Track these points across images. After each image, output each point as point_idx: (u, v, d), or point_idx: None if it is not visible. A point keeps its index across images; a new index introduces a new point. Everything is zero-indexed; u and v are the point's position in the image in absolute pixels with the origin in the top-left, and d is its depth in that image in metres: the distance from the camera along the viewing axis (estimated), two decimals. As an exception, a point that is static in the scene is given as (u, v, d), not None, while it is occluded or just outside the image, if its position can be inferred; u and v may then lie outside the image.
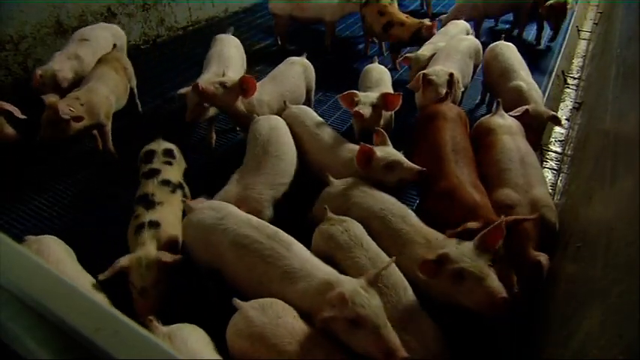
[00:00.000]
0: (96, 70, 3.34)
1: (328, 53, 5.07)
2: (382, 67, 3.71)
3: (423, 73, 3.08)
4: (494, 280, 1.73)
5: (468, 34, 4.09)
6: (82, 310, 0.69)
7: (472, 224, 2.01)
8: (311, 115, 3.04)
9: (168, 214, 2.33)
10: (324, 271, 1.88)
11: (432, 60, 3.52)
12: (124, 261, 2.02)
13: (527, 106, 2.93)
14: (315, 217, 2.42)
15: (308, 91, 3.64)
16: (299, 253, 1.97)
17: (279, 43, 5.24)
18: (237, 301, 1.79)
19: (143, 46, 5.24)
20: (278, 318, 1.70)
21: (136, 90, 3.81)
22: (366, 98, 2.94)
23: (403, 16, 4.53)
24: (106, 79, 3.26)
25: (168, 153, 2.72)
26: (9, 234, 0.85)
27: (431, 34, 4.20)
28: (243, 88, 2.94)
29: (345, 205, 2.34)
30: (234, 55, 3.65)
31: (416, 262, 1.88)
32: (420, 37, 4.26)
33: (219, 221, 2.10)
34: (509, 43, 3.69)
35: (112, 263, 2.08)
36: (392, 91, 3.23)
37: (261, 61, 4.79)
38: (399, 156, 2.49)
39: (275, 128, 2.78)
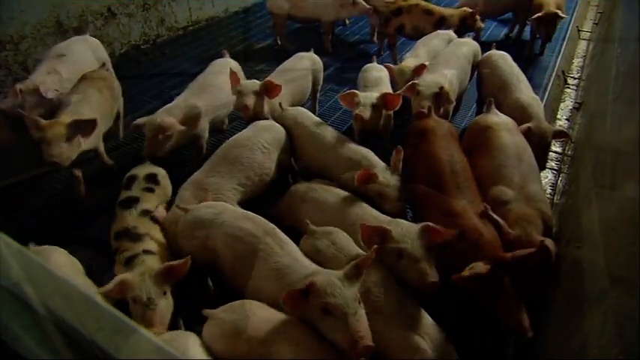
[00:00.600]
0: (78, 91, 3.05)
1: (328, 53, 5.08)
2: (381, 66, 3.71)
3: (413, 83, 3.05)
4: (428, 263, 1.90)
5: (450, 41, 4.01)
6: (83, 310, 0.69)
7: (480, 267, 1.90)
8: (309, 115, 3.04)
9: (157, 246, 2.19)
10: (311, 269, 1.90)
11: (430, 65, 3.44)
12: (125, 276, 1.86)
13: (528, 125, 2.82)
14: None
15: (314, 85, 3.72)
16: (292, 252, 1.99)
17: (279, 43, 5.25)
18: (206, 311, 1.80)
19: (143, 46, 5.24)
20: (248, 312, 1.72)
21: (122, 112, 3.54)
22: (366, 99, 2.94)
23: (446, 9, 4.65)
24: (88, 101, 2.97)
25: (151, 178, 2.51)
26: (8, 234, 0.85)
27: (474, 21, 4.40)
28: (267, 89, 3.02)
29: (303, 199, 2.44)
30: (224, 81, 3.27)
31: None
32: (466, 26, 4.45)
33: (217, 216, 2.13)
34: (504, 53, 3.58)
35: (112, 266, 2.08)
36: (391, 90, 3.27)
37: (261, 61, 4.80)
38: (394, 191, 2.45)
39: (249, 138, 2.73)
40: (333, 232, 2.12)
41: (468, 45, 3.69)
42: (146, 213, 2.31)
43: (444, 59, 3.46)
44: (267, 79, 3.17)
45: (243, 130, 2.85)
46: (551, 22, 4.59)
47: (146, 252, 2.09)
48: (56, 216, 2.97)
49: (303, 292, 1.66)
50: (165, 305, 1.88)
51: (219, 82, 3.26)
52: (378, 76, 3.53)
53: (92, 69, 3.41)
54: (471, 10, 4.48)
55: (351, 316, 1.60)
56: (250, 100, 2.93)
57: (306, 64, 3.59)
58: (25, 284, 0.73)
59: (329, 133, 2.87)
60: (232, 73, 3.09)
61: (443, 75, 3.20)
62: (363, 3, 4.79)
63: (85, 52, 3.60)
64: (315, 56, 3.73)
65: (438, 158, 2.47)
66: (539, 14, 4.56)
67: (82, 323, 0.67)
